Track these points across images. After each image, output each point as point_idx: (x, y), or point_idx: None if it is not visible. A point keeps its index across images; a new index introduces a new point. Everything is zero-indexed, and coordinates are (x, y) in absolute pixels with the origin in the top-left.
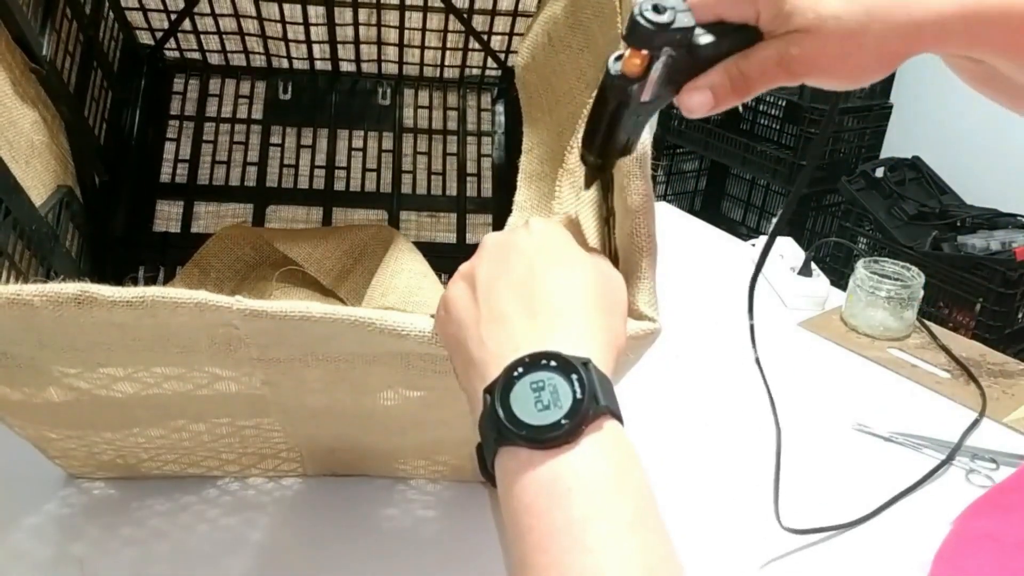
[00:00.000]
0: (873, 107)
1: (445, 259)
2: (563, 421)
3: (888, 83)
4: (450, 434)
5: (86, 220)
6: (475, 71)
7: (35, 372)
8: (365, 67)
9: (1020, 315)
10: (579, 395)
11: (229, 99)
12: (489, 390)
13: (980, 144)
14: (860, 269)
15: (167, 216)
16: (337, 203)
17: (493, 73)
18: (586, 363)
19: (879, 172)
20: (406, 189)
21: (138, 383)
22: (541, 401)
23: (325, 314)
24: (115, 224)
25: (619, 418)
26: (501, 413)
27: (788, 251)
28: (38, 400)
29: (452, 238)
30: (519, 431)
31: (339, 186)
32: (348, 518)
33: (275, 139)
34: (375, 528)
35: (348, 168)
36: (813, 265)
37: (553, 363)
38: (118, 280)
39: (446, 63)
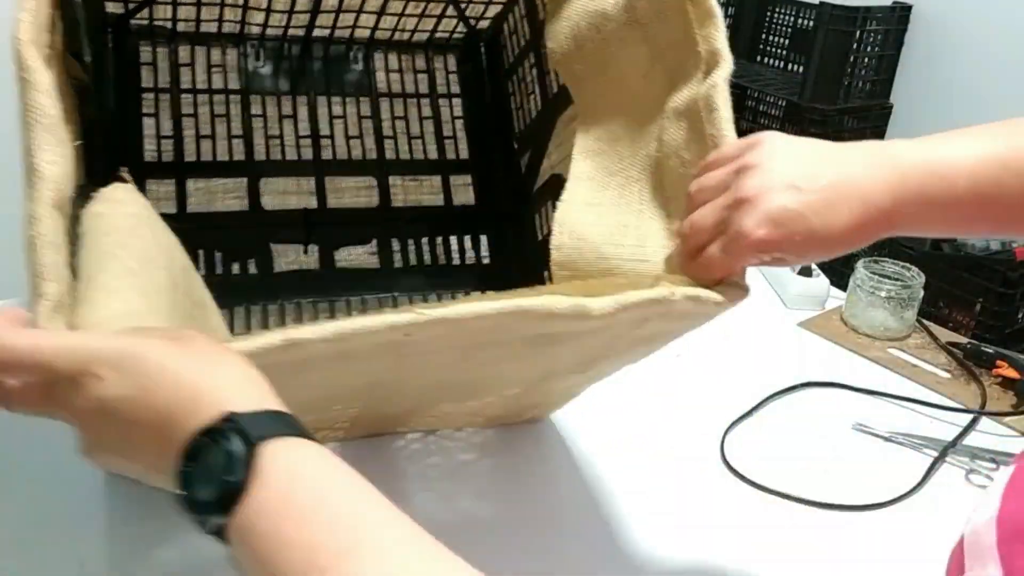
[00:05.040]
0: (873, 107)
1: (434, 221)
2: None
3: (888, 83)
4: (517, 389)
5: None
6: (444, 34)
7: None
8: (338, 33)
9: (1020, 315)
10: None
11: (201, 68)
12: None
13: None
14: (860, 269)
15: (157, 196)
16: (327, 172)
17: (458, 35)
18: None
19: None
20: (390, 155)
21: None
22: None
23: (495, 310)
24: None
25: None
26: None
27: None
28: None
29: (439, 200)
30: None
31: (326, 155)
32: (398, 470)
33: (255, 110)
34: (423, 475)
35: (332, 136)
36: (813, 265)
37: None
38: None
39: (419, 27)
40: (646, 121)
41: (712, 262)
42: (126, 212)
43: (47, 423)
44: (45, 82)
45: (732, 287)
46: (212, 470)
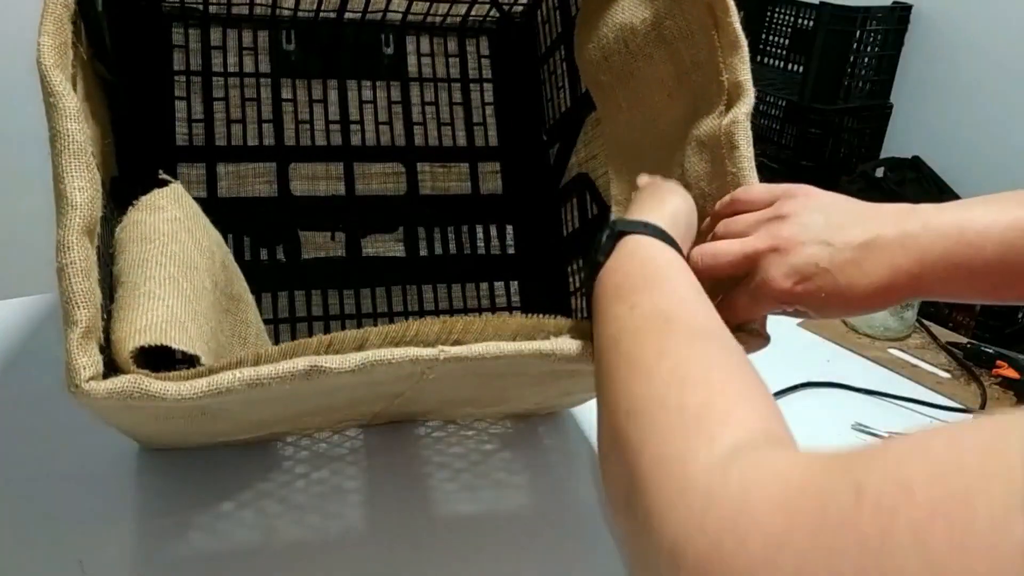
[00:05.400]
0: (873, 107)
1: (460, 210)
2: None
3: (888, 83)
4: (538, 399)
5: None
6: (477, 18)
7: (222, 418)
8: (369, 16)
9: (1020, 315)
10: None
11: (233, 51)
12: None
13: (980, 144)
14: None
15: (188, 179)
16: (356, 158)
17: (492, 19)
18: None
19: (879, 172)
20: (419, 141)
21: (312, 404)
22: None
23: (516, 351)
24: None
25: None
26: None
27: None
28: (207, 430)
29: (466, 188)
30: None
31: (355, 140)
32: (420, 457)
33: (286, 94)
34: (445, 464)
35: (361, 122)
36: None
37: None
38: None
39: (451, 12)
40: (671, 142)
41: (736, 305)
42: (166, 218)
43: (47, 423)
44: (72, 108)
45: (753, 336)
46: (590, 249)
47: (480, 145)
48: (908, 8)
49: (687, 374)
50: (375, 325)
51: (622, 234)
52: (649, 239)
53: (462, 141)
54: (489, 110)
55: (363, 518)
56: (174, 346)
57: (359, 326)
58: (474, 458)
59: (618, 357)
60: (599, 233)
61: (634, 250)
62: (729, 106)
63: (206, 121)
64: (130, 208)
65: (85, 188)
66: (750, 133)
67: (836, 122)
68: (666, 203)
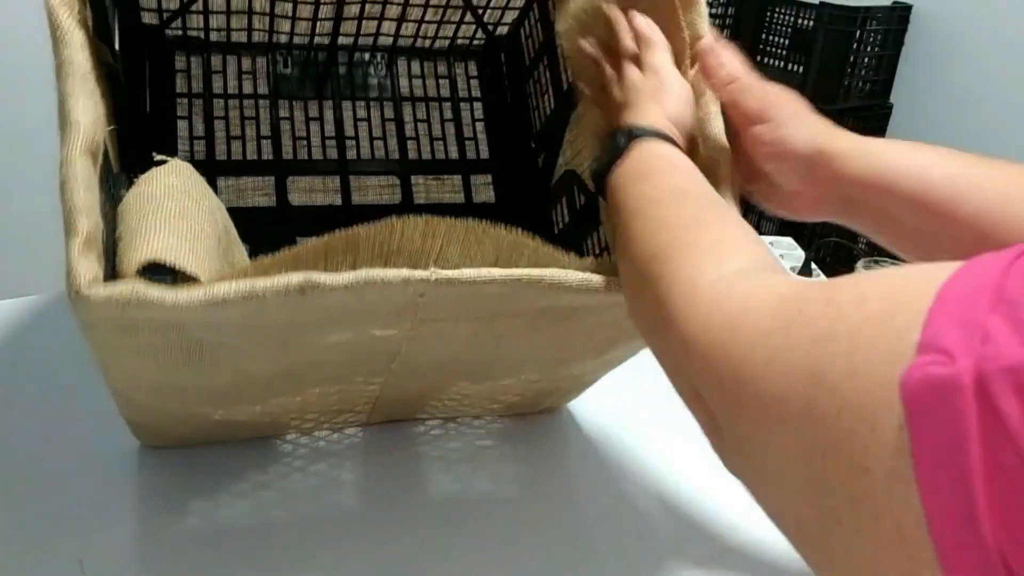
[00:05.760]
0: (873, 107)
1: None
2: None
3: (888, 83)
4: (535, 375)
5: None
6: (464, 41)
7: (221, 363)
8: (361, 40)
9: None
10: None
11: (232, 75)
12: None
13: (980, 144)
14: (860, 269)
15: None
16: (351, 171)
17: (478, 42)
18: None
19: None
20: (412, 155)
21: (309, 354)
22: None
23: (506, 276)
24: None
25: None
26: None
27: (788, 251)
28: (204, 383)
29: (459, 198)
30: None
31: (351, 155)
32: (418, 454)
33: (283, 112)
34: (444, 458)
35: (356, 137)
36: (813, 265)
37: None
38: None
39: (439, 35)
40: None
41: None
42: (166, 183)
43: (47, 423)
44: (77, 39)
45: None
46: (607, 150)
47: (472, 158)
48: (908, 8)
49: (703, 221)
50: None
51: (637, 138)
52: (660, 141)
53: (454, 155)
54: (480, 126)
55: (360, 510)
56: (183, 266)
57: None
58: (470, 452)
59: (643, 220)
60: (616, 136)
61: (650, 149)
62: (694, 61)
63: (207, 138)
64: (131, 185)
65: (88, 110)
66: None
67: (836, 122)
68: (668, 107)
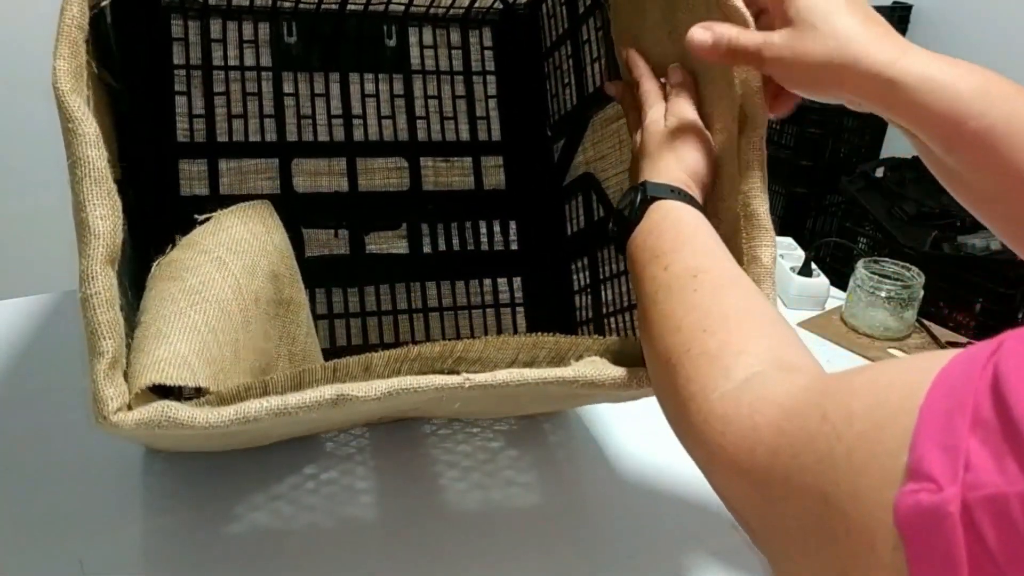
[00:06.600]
0: None
1: (463, 205)
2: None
3: None
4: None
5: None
6: (481, 9)
7: (244, 439)
8: (372, 7)
9: (1020, 315)
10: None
11: (233, 44)
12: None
13: None
14: (860, 269)
15: (190, 176)
16: (359, 153)
17: (496, 10)
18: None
19: (879, 172)
20: (421, 136)
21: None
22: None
23: (539, 378)
24: (143, 194)
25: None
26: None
27: (788, 251)
28: (222, 444)
29: (469, 183)
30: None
31: (358, 135)
32: (427, 455)
33: (287, 88)
34: (452, 462)
35: (364, 116)
36: (813, 265)
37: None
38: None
39: (454, 3)
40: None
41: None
42: (198, 250)
43: (47, 423)
44: (91, 134)
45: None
46: (624, 208)
47: (483, 139)
48: (908, 8)
49: (709, 323)
50: (379, 323)
51: (653, 199)
52: (676, 203)
53: (465, 135)
54: (492, 103)
55: (373, 518)
56: (171, 383)
57: (363, 324)
58: (481, 456)
59: (657, 314)
60: (630, 194)
61: (665, 213)
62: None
63: (207, 116)
64: (171, 247)
65: (107, 216)
66: None
67: (836, 122)
68: (685, 159)
